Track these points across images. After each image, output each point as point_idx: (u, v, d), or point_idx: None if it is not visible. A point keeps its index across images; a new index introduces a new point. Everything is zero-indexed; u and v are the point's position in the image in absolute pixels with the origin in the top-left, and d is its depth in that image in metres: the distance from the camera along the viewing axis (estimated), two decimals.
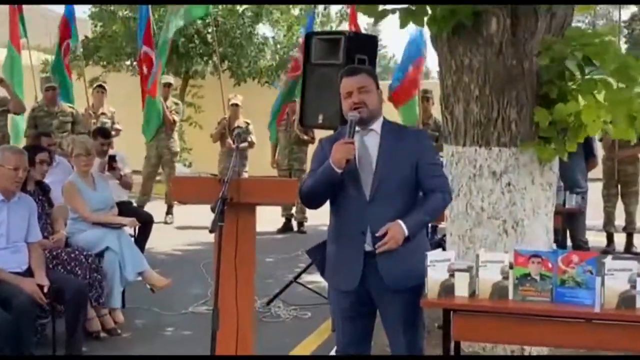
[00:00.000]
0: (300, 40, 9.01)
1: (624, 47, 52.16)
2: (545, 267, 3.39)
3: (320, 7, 14.93)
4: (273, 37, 14.69)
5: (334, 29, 14.66)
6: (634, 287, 3.26)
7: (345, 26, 13.54)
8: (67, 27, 10.82)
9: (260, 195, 3.54)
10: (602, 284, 3.31)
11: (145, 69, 10.65)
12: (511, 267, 3.44)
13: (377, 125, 3.54)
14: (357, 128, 3.46)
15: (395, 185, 3.46)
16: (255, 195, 3.52)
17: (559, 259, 3.38)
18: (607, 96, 4.63)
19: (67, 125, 9.73)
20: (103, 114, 10.46)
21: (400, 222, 3.37)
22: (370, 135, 3.53)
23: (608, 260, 3.34)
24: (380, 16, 4.96)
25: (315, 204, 3.60)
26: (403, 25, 4.95)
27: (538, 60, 4.77)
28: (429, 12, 4.77)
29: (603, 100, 4.65)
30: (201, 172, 6.61)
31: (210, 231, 3.22)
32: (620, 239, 8.90)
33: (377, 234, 3.37)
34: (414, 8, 4.82)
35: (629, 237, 8.83)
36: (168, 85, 10.95)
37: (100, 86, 10.94)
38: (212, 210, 3.34)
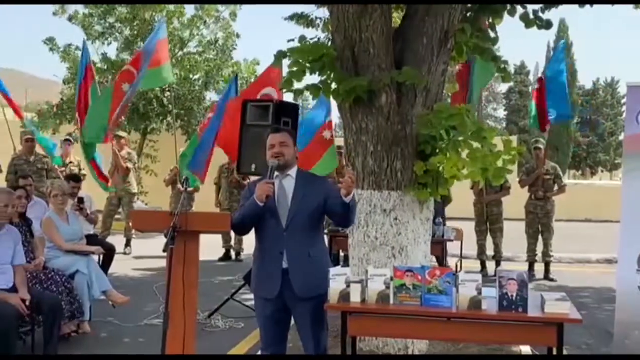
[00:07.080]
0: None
1: (503, 114, 53.74)
2: (417, 279, 3.76)
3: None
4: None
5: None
6: (480, 293, 3.67)
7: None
8: None
9: (202, 225, 3.81)
10: (457, 291, 3.69)
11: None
12: (392, 279, 3.80)
13: (293, 172, 3.88)
14: (276, 173, 3.80)
15: (306, 217, 3.76)
16: (198, 225, 3.78)
17: (426, 273, 3.76)
18: (469, 154, 5.13)
19: (42, 172, 9.82)
20: (71, 162, 10.54)
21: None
22: (287, 179, 3.87)
23: (461, 274, 3.73)
24: (298, 93, 5.40)
25: (244, 232, 3.92)
26: (316, 96, 5.40)
27: (417, 126, 5.22)
28: (335, 88, 5.14)
29: (466, 156, 5.15)
30: (157, 207, 6.78)
31: (164, 251, 3.48)
32: (491, 266, 9.41)
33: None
34: (321, 86, 5.23)
35: (497, 264, 9.36)
36: (120, 137, 10.91)
37: (67, 140, 10.95)
38: (165, 236, 3.58)
